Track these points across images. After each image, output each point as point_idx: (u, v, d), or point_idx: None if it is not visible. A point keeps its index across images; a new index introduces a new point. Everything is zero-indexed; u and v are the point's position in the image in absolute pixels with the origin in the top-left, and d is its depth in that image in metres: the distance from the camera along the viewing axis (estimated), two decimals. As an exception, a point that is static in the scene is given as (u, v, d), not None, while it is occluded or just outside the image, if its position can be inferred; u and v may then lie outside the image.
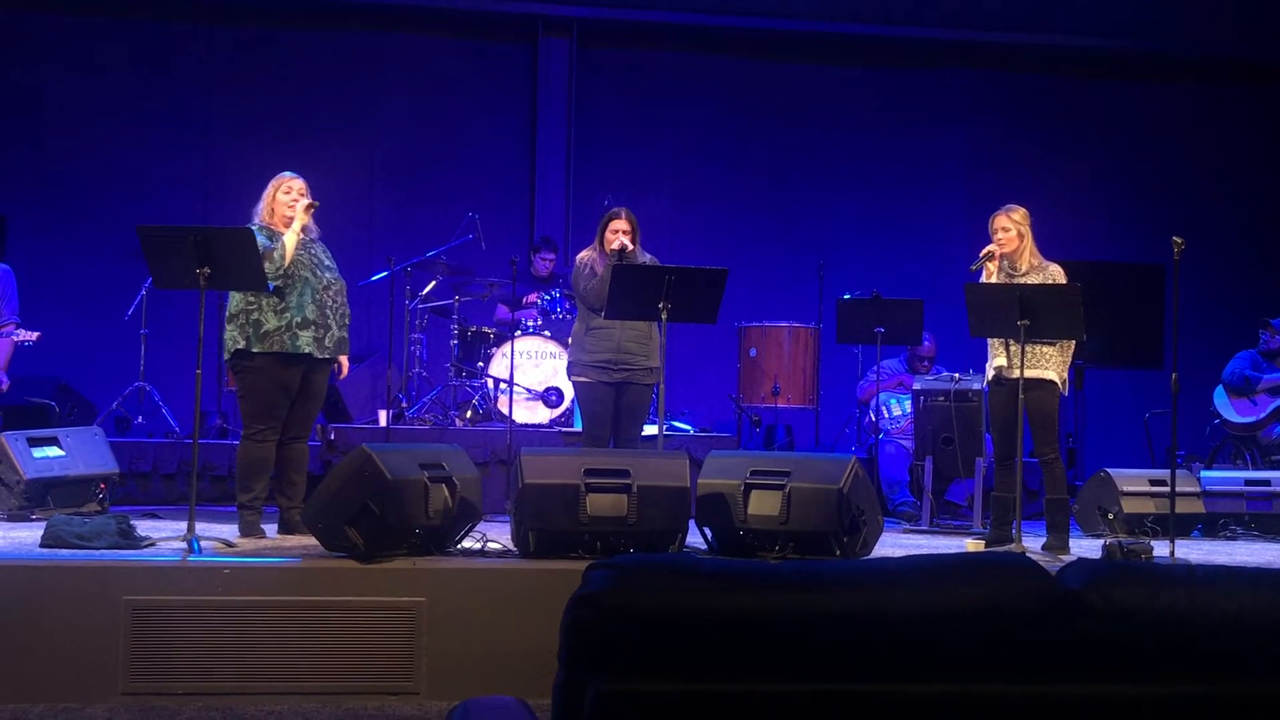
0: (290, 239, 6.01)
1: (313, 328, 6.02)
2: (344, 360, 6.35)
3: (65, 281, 10.00)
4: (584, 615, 1.95)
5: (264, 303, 5.97)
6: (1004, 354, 6.36)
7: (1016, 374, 6.23)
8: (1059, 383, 6.33)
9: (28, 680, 4.78)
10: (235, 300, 6.04)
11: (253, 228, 5.95)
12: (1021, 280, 6.28)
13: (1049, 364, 6.28)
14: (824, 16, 11.02)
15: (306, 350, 6.00)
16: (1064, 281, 6.30)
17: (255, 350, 5.97)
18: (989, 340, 6.47)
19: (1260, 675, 2.01)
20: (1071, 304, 6.06)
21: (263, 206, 6.16)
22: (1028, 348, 6.16)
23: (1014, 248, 6.37)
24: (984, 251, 6.41)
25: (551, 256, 9.59)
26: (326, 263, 6.21)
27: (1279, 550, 7.04)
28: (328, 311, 6.09)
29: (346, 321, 6.27)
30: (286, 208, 6.10)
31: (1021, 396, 6.13)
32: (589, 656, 1.95)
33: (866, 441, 8.71)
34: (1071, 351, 6.42)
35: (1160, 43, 11.26)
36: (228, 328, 6.06)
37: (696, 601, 1.97)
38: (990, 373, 6.49)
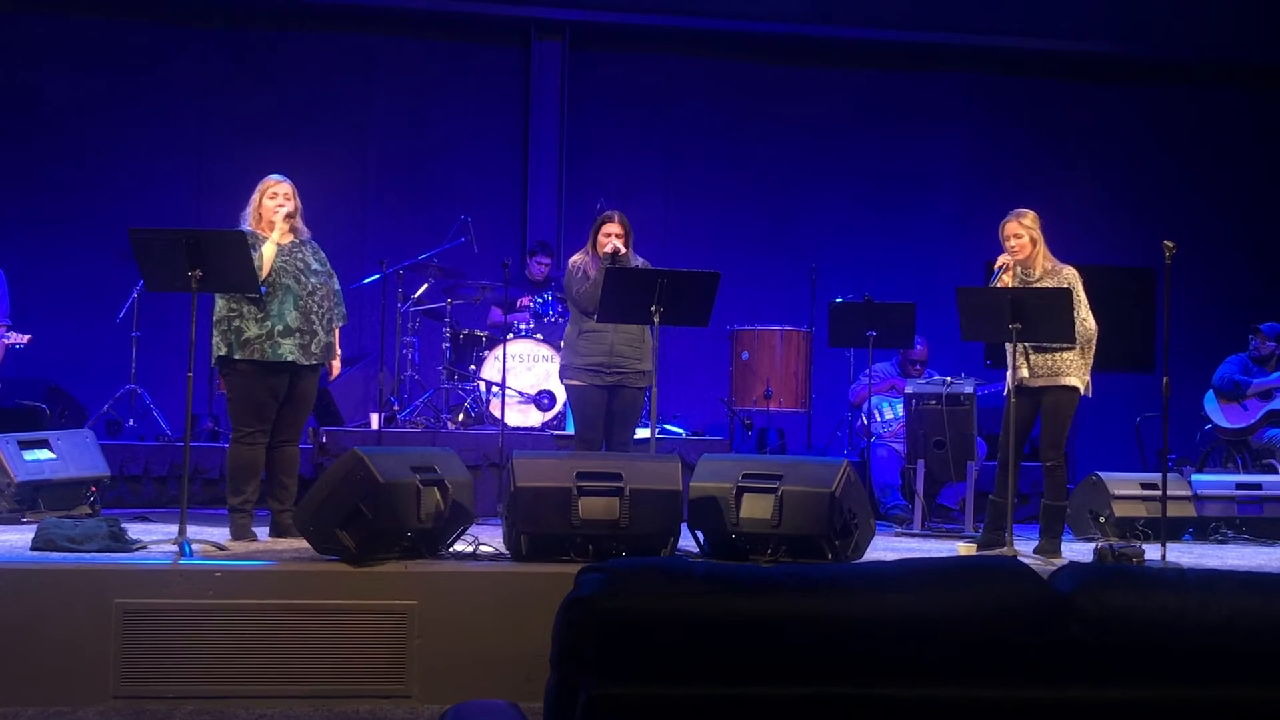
0: (269, 249, 5.98)
1: (296, 335, 6.00)
2: (335, 363, 6.34)
3: (57, 284, 9.99)
4: (576, 619, 1.95)
5: (245, 310, 5.95)
6: (1025, 364, 6.31)
7: (1039, 383, 6.23)
8: (1081, 387, 6.30)
9: (18, 684, 4.77)
10: (219, 307, 6.02)
11: (243, 230, 5.94)
12: (1037, 285, 6.26)
13: (1070, 369, 6.25)
14: (816, 20, 11.04)
15: (289, 358, 5.98)
16: (1078, 284, 6.28)
17: (238, 357, 5.96)
18: (1009, 349, 6.40)
19: (1251, 679, 2.01)
20: (1062, 308, 6.06)
21: (250, 211, 6.12)
22: (1051, 355, 6.17)
23: (1027, 253, 6.33)
24: (999, 264, 6.35)
25: (547, 261, 9.59)
26: (315, 266, 6.17)
27: (1270, 554, 7.06)
28: (313, 317, 6.07)
29: (336, 325, 6.25)
30: (273, 213, 6.08)
31: (1014, 400, 6.12)
32: (581, 660, 1.95)
33: (858, 445, 8.71)
34: (1092, 352, 6.36)
35: (1153, 47, 11.29)
36: (214, 333, 6.05)
37: (688, 605, 1.97)
38: (1011, 382, 6.40)
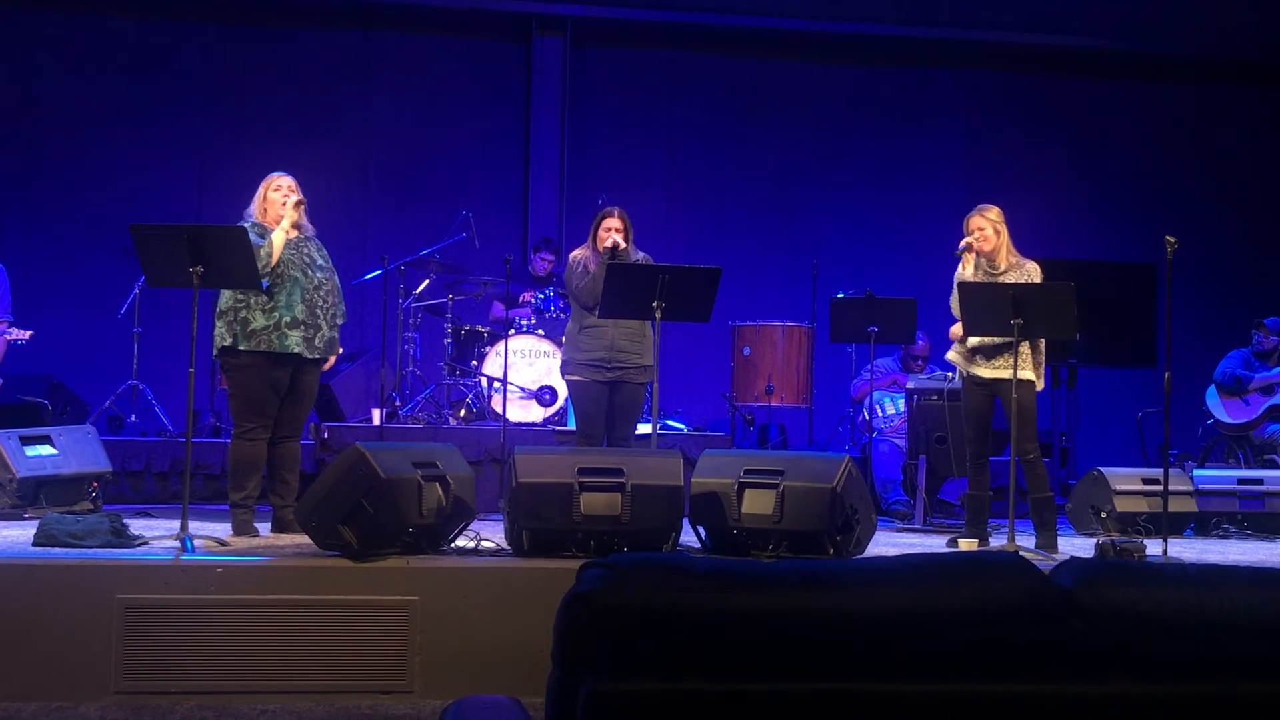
0: (278, 237, 6.00)
1: (302, 328, 6.01)
2: (331, 358, 6.35)
3: (59, 280, 9.99)
4: (578, 614, 1.95)
5: (252, 301, 5.97)
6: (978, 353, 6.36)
7: (986, 373, 6.25)
8: (1037, 380, 6.31)
9: (20, 679, 4.78)
10: (225, 297, 6.04)
11: (243, 225, 5.95)
12: (1001, 278, 6.29)
13: (1024, 363, 6.26)
14: (818, 15, 11.03)
15: (295, 350, 6.00)
16: (1039, 279, 6.29)
17: (242, 348, 5.97)
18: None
19: (1252, 674, 2.01)
20: (1064, 303, 6.05)
21: (254, 206, 6.17)
22: (1002, 346, 6.17)
23: (992, 246, 6.38)
24: (963, 244, 6.40)
25: (551, 257, 9.59)
26: (319, 261, 6.20)
27: (1272, 549, 7.06)
28: (318, 311, 6.09)
29: (339, 321, 6.27)
30: (278, 206, 6.11)
31: (1015, 394, 6.11)
32: (582, 655, 1.95)
33: (860, 440, 8.71)
34: (1042, 351, 6.38)
35: (1155, 43, 11.28)
36: (217, 324, 6.06)
37: (690, 601, 1.97)
38: (964, 371, 6.48)
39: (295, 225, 6.14)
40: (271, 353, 5.97)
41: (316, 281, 6.11)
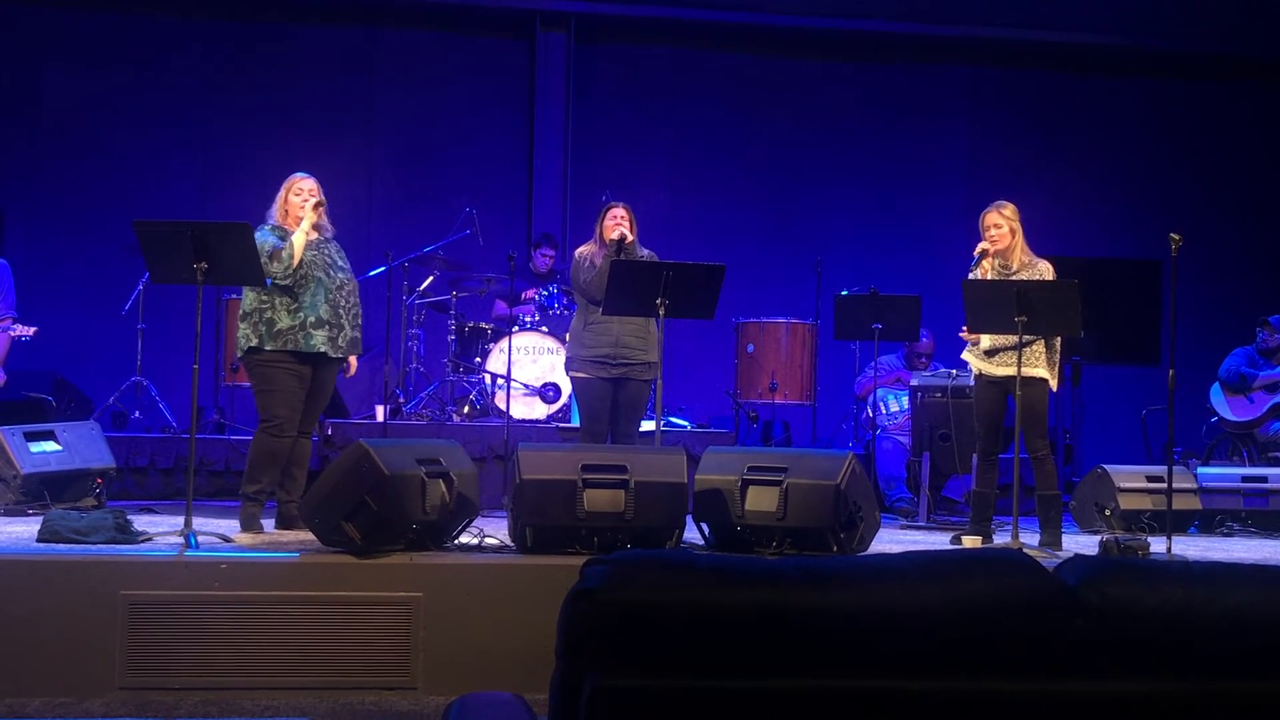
0: (299, 238, 6.03)
1: (326, 327, 6.06)
2: (353, 360, 6.37)
3: (62, 276, 10.01)
4: (581, 610, 1.95)
5: (277, 301, 6.00)
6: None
7: (1001, 372, 6.24)
8: (1050, 380, 6.30)
9: (25, 675, 4.79)
10: (249, 298, 6.07)
11: (265, 227, 6.03)
12: (1015, 277, 6.26)
13: (1038, 361, 6.25)
14: (822, 12, 11.03)
15: (321, 349, 6.04)
16: (1052, 278, 6.28)
17: (268, 348, 6.00)
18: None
19: (1257, 672, 2.01)
20: (1069, 300, 6.04)
21: (276, 208, 6.22)
22: (1014, 347, 6.15)
23: (1006, 244, 6.34)
24: (978, 250, 6.37)
25: (552, 253, 9.60)
26: (340, 263, 6.26)
27: (1276, 546, 7.05)
28: (340, 311, 6.13)
29: (359, 321, 6.31)
30: (299, 208, 6.14)
31: (1026, 392, 6.10)
32: (586, 652, 1.95)
33: (864, 437, 8.71)
34: (1057, 351, 6.36)
35: (1159, 40, 11.27)
36: (240, 326, 6.09)
37: (693, 597, 1.97)
38: (975, 369, 6.48)
39: (315, 226, 6.17)
40: (297, 351, 6.01)
41: (339, 282, 6.16)
